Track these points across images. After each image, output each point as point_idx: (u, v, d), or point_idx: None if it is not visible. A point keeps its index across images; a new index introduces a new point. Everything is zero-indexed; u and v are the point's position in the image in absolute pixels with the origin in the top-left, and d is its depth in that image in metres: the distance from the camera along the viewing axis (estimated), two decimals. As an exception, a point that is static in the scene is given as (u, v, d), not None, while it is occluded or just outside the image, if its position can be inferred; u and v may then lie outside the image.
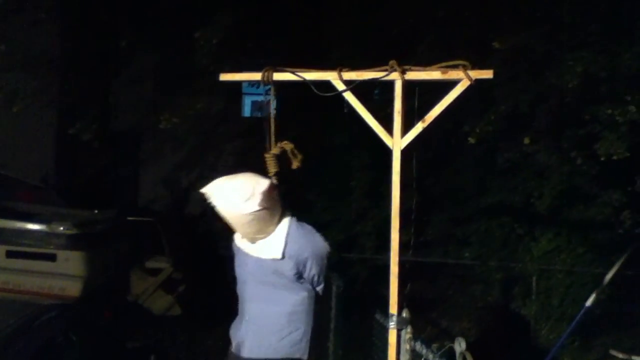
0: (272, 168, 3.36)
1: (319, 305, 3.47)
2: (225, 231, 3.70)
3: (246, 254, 3.32)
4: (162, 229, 7.43)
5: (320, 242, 3.33)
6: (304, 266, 3.24)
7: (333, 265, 5.78)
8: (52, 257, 5.58)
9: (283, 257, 3.20)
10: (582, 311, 5.84)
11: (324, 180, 8.08)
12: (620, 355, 5.89)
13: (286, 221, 3.28)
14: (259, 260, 3.27)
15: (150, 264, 6.60)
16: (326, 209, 7.79)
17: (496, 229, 7.26)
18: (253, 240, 3.26)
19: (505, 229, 7.26)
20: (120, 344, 3.90)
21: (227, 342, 3.61)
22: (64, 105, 9.04)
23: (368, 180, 7.81)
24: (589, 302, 5.88)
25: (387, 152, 3.04)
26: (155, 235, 7.28)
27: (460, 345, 2.40)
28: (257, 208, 3.03)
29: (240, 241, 3.40)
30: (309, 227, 3.38)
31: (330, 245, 3.54)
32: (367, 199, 7.74)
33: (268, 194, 3.06)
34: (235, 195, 3.04)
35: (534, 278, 6.92)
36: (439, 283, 7.36)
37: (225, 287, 4.03)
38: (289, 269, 3.21)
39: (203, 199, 3.32)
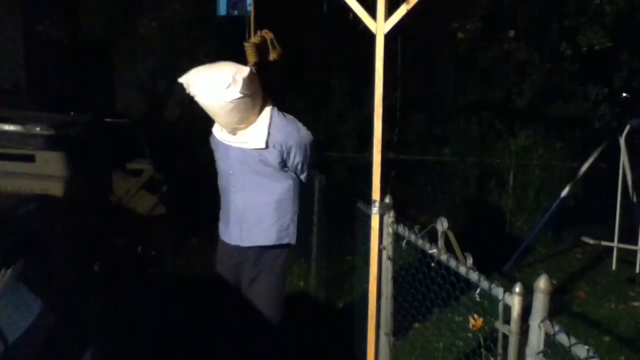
0: (251, 57, 3.29)
1: (304, 194, 3.54)
2: (203, 136, 3.68)
3: (228, 147, 3.31)
4: (139, 132, 7.35)
5: (303, 131, 3.35)
6: (288, 155, 3.27)
7: (314, 163, 5.84)
8: (30, 158, 5.49)
9: (267, 146, 3.22)
10: (557, 201, 6.05)
11: (304, 80, 7.98)
12: (591, 241, 6.19)
13: (268, 111, 3.26)
14: (242, 151, 3.27)
15: (131, 166, 6.57)
16: (307, 110, 7.75)
17: (475, 126, 7.32)
18: (234, 131, 3.25)
19: (485, 126, 7.33)
20: (106, 239, 3.95)
21: (212, 240, 3.69)
22: (30, 4, 8.62)
23: (348, 81, 7.75)
24: (564, 193, 6.08)
25: (370, 46, 2.98)
26: (134, 138, 7.21)
27: (442, 225, 2.47)
28: (239, 95, 2.98)
29: (220, 134, 3.38)
30: (290, 117, 3.38)
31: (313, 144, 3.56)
32: (348, 99, 7.70)
33: (249, 81, 3.01)
34: (216, 83, 2.98)
35: (512, 173, 7.08)
36: (418, 181, 7.49)
37: (206, 191, 4.07)
38: (273, 157, 3.24)
39: (179, 103, 3.27)
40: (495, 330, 2.11)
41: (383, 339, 3.07)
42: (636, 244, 5.96)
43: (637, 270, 5.99)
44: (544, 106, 7.48)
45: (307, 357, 3.97)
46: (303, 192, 3.48)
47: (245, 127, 3.21)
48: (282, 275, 3.42)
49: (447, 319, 4.56)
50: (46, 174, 5.18)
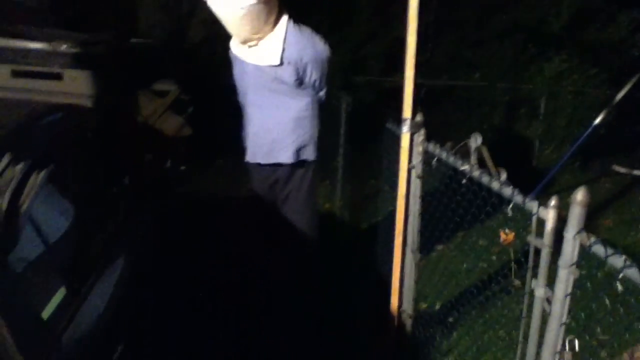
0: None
1: (323, 111, 3.48)
2: (228, 57, 3.61)
3: (244, 62, 3.23)
4: (165, 53, 7.27)
5: (320, 46, 3.22)
6: (304, 72, 3.15)
7: (340, 86, 5.74)
8: (58, 76, 5.49)
9: (281, 63, 3.10)
10: (590, 129, 5.91)
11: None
12: (622, 170, 6.08)
13: (283, 24, 3.12)
14: (257, 68, 3.18)
15: (157, 87, 6.53)
16: (332, 30, 7.53)
17: (508, 49, 7.08)
18: (249, 42, 3.14)
19: (518, 50, 7.08)
20: (135, 155, 3.98)
21: (237, 161, 3.68)
22: None
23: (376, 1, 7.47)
24: (597, 121, 5.92)
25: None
26: (159, 59, 7.14)
27: (476, 141, 2.41)
28: (253, 1, 2.88)
29: (236, 48, 3.28)
30: (307, 31, 3.22)
31: (338, 67, 3.46)
32: (376, 19, 7.44)
33: None
34: None
35: (543, 99, 6.89)
36: (447, 107, 7.34)
37: (231, 113, 4.04)
38: (288, 75, 3.13)
39: (203, 23, 3.18)
40: (524, 247, 2.11)
41: (409, 256, 3.09)
42: (667, 174, 5.85)
43: (666, 201, 5.91)
44: (580, 30, 7.18)
45: (332, 274, 4.05)
46: (323, 109, 3.42)
47: (260, 39, 3.10)
48: (311, 191, 3.42)
49: (471, 242, 4.59)
50: (74, 92, 5.19)
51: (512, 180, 2.18)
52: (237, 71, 3.35)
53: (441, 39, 7.55)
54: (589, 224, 1.80)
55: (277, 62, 3.11)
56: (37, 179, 1.96)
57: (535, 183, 5.96)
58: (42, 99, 5.26)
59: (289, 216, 3.40)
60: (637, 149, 6.26)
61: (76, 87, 5.22)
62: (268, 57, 3.13)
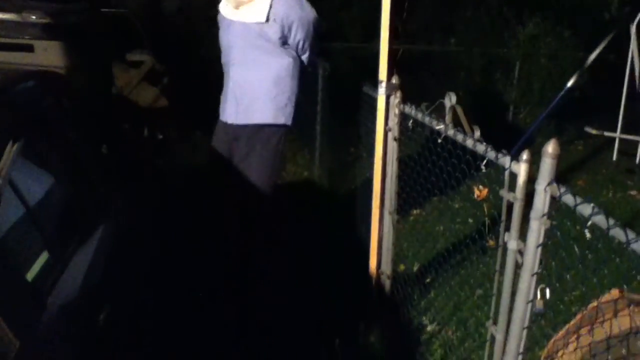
0: None
1: (305, 77, 3.49)
2: (203, 30, 3.58)
3: (231, 21, 3.27)
4: (138, 23, 7.15)
5: (307, 7, 3.29)
6: (289, 30, 3.22)
7: (317, 52, 5.72)
8: (29, 48, 5.39)
9: (267, 19, 3.17)
10: (563, 92, 5.99)
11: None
12: (594, 132, 6.20)
13: None
14: (243, 25, 3.23)
15: (131, 57, 6.46)
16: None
17: (484, 13, 7.10)
18: (237, 5, 3.19)
19: (494, 13, 7.11)
20: (111, 124, 3.96)
21: (214, 125, 3.66)
22: None
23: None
24: (569, 83, 6.02)
25: None
26: (132, 29, 7.03)
27: (450, 99, 2.45)
28: None
29: (224, 9, 3.33)
30: None
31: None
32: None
33: None
34: None
35: (517, 63, 6.95)
36: (423, 71, 7.37)
37: (209, 87, 4.01)
38: (273, 32, 3.19)
39: None
40: (497, 202, 2.16)
41: (387, 218, 3.15)
42: (639, 135, 5.97)
43: (637, 161, 6.05)
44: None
45: (313, 237, 4.10)
46: (304, 73, 3.43)
47: (249, 1, 3.15)
48: (275, 154, 3.34)
49: (447, 204, 4.66)
50: (46, 63, 5.10)
51: (488, 142, 2.22)
52: (222, 31, 3.39)
53: (417, 3, 7.54)
54: (563, 184, 1.86)
55: (264, 18, 3.17)
56: (13, 147, 1.94)
57: (511, 145, 6.05)
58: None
59: (246, 173, 3.35)
60: (611, 111, 6.36)
61: (47, 58, 5.14)
62: (255, 14, 3.20)
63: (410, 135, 2.99)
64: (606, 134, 6.17)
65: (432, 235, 4.23)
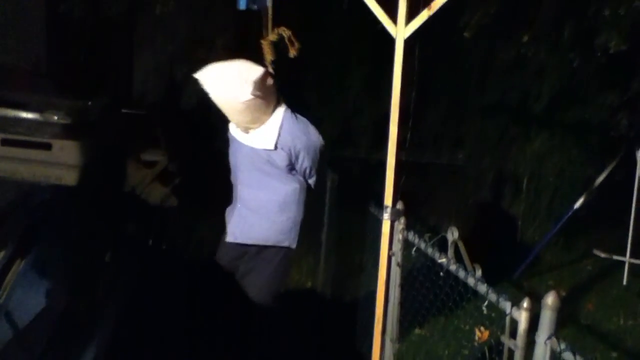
0: (268, 55, 3.30)
1: (311, 198, 3.55)
2: (221, 123, 3.71)
3: (240, 143, 3.36)
4: (157, 122, 7.37)
5: (313, 136, 3.37)
6: (297, 158, 3.28)
7: (327, 161, 5.83)
8: (47, 146, 5.55)
9: (275, 148, 3.24)
10: (569, 213, 6.00)
11: (321, 74, 7.93)
12: (602, 255, 6.13)
13: (280, 112, 3.28)
14: (252, 150, 3.31)
15: (146, 156, 6.60)
16: (321, 104, 7.70)
17: (491, 129, 7.26)
18: (246, 130, 3.29)
19: (500, 129, 7.26)
20: (118, 230, 3.99)
21: (222, 230, 3.70)
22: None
23: (365, 76, 7.67)
24: (577, 205, 6.03)
25: (388, 44, 2.96)
26: (150, 128, 7.23)
27: (452, 234, 2.47)
28: (250, 97, 3.00)
29: (234, 130, 3.43)
30: (303, 120, 3.40)
31: (325, 141, 3.57)
32: (364, 94, 7.64)
33: (262, 83, 3.03)
34: (229, 83, 3.01)
35: (525, 179, 7.02)
36: (430, 182, 7.44)
37: (221, 181, 4.08)
38: (281, 159, 3.26)
39: (198, 90, 3.30)
40: (501, 341, 2.11)
41: (388, 345, 3.08)
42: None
43: (649, 285, 5.93)
44: (561, 112, 7.39)
45: (311, 353, 3.99)
46: (310, 197, 3.49)
47: (258, 127, 3.24)
48: (277, 275, 3.41)
49: (453, 327, 4.55)
50: (61, 162, 5.23)
51: (495, 259, 2.21)
52: (232, 150, 3.47)
53: (425, 115, 7.74)
54: (572, 308, 1.82)
55: (272, 146, 3.24)
56: (19, 265, 1.97)
57: (519, 262, 5.99)
58: (28, 168, 5.31)
59: (247, 289, 3.36)
60: (619, 231, 6.32)
61: (64, 157, 5.27)
62: (264, 141, 3.27)
63: (414, 259, 2.98)
64: (615, 257, 6.10)
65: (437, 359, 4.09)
